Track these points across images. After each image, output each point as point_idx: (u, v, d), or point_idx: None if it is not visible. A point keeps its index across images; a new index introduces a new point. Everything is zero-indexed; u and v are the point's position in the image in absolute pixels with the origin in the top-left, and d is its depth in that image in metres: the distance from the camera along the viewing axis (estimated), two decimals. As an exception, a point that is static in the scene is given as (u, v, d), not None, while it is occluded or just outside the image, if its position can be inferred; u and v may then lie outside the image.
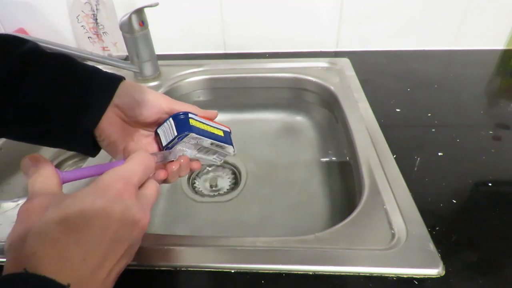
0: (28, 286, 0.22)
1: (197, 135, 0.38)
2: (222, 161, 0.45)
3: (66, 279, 0.23)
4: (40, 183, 0.29)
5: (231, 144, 0.42)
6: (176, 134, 0.37)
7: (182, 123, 0.37)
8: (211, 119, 0.41)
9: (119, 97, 0.37)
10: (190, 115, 0.38)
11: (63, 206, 0.26)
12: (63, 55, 0.36)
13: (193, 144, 0.39)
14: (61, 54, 0.36)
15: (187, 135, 0.37)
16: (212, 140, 0.39)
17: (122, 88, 0.37)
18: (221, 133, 0.41)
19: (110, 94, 0.36)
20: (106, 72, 0.38)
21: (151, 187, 0.32)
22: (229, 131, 0.43)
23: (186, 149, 0.39)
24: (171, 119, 0.38)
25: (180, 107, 0.39)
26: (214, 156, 0.43)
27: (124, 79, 0.38)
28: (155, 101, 0.38)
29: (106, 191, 0.28)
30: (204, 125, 0.39)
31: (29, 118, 0.34)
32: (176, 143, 0.38)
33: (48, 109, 0.34)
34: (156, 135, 0.40)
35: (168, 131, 0.38)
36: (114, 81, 0.37)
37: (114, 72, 0.38)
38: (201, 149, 0.40)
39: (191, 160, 0.41)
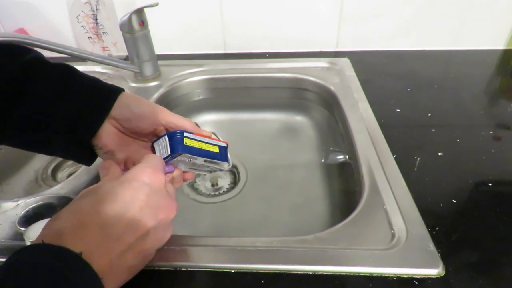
0: (41, 253, 0.24)
1: (190, 155, 0.39)
2: (215, 172, 0.47)
3: (81, 245, 0.25)
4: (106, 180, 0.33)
5: (226, 160, 0.43)
6: (169, 153, 0.38)
7: (177, 142, 0.38)
8: (208, 136, 0.42)
9: (116, 109, 0.38)
10: (185, 134, 0.39)
11: (97, 185, 0.30)
12: (64, 65, 0.37)
13: (187, 162, 0.40)
14: (62, 65, 0.37)
15: (180, 154, 0.38)
16: (206, 158, 0.41)
17: (120, 100, 0.38)
18: (217, 150, 0.42)
19: (108, 107, 0.37)
20: (105, 84, 0.39)
21: (171, 187, 0.36)
22: (225, 146, 0.43)
23: (180, 164, 0.40)
24: (166, 137, 0.39)
25: (177, 120, 0.40)
26: (208, 169, 0.44)
27: (123, 90, 0.39)
28: (152, 114, 0.39)
29: (138, 174, 0.31)
30: (200, 143, 0.40)
31: (29, 127, 0.35)
32: (169, 160, 0.39)
33: (47, 119, 0.35)
34: (152, 147, 0.40)
35: (163, 148, 0.39)
36: (113, 93, 0.38)
37: (113, 84, 0.39)
38: (195, 165, 0.41)
39: (184, 171, 0.42)
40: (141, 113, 0.38)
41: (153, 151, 0.40)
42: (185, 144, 0.39)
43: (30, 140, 0.37)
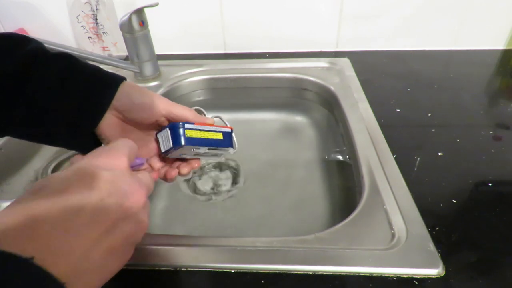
0: None
1: (192, 146, 0.39)
2: (223, 158, 0.47)
3: (32, 248, 0.20)
4: None
5: (231, 145, 0.43)
6: (171, 145, 0.38)
7: (178, 134, 0.38)
8: (211, 124, 0.42)
9: (117, 100, 0.37)
10: (186, 126, 0.39)
11: (45, 178, 0.25)
12: (65, 54, 0.37)
13: (191, 151, 0.40)
14: (63, 54, 0.37)
15: (182, 146, 0.38)
16: (210, 147, 0.41)
17: (121, 90, 0.37)
18: (220, 136, 0.42)
19: (109, 98, 0.37)
20: (107, 73, 0.38)
21: (145, 174, 0.32)
22: (230, 131, 0.43)
23: (185, 153, 0.40)
24: (168, 129, 0.39)
25: (178, 110, 0.40)
26: (213, 155, 0.44)
27: (125, 79, 0.39)
28: (153, 104, 0.38)
29: (94, 159, 0.27)
30: (202, 132, 0.40)
31: (33, 119, 0.35)
32: (173, 151, 0.39)
33: (51, 110, 0.35)
34: (156, 138, 0.41)
35: (165, 139, 0.39)
36: (114, 83, 0.38)
37: (115, 72, 0.39)
38: (199, 153, 0.41)
39: (190, 159, 0.42)
40: (142, 104, 0.38)
41: (157, 142, 0.41)
42: (186, 136, 0.39)
43: (35, 132, 0.36)
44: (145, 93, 0.39)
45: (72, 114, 0.36)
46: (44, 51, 0.36)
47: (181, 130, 0.38)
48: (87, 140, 0.38)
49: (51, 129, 0.36)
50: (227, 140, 0.43)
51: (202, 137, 0.40)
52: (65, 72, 0.36)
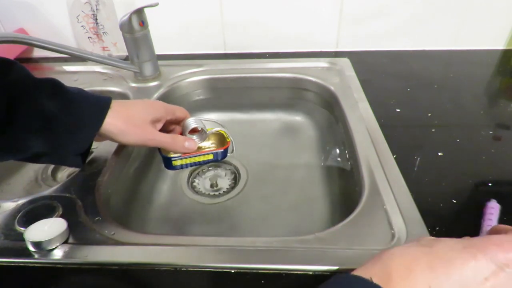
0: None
1: (180, 168, 0.48)
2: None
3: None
4: None
5: (222, 158, 0.50)
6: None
7: (167, 163, 0.47)
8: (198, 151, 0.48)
9: (101, 134, 0.40)
10: (172, 158, 0.46)
11: (435, 239, 0.28)
12: (50, 82, 0.38)
13: None
14: (48, 81, 0.38)
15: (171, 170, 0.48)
16: (199, 165, 0.49)
17: (104, 127, 0.40)
18: (210, 157, 0.49)
19: (97, 126, 0.39)
20: (93, 100, 0.40)
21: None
22: (221, 151, 0.49)
23: None
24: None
25: (154, 143, 0.44)
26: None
27: (109, 106, 0.40)
28: (127, 140, 0.42)
29: (486, 246, 0.25)
30: (189, 158, 0.47)
31: (19, 148, 0.36)
32: None
33: (38, 139, 0.37)
34: None
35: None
36: (100, 112, 0.40)
37: (100, 95, 0.41)
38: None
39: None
40: (125, 142, 0.42)
41: None
42: (173, 165, 0.46)
43: (23, 158, 0.39)
44: (122, 132, 0.41)
45: (62, 140, 0.38)
46: (29, 79, 0.37)
47: (168, 162, 0.46)
48: (77, 160, 0.42)
49: (40, 155, 0.38)
50: (217, 158, 0.49)
51: (190, 162, 0.47)
52: (51, 101, 0.37)
